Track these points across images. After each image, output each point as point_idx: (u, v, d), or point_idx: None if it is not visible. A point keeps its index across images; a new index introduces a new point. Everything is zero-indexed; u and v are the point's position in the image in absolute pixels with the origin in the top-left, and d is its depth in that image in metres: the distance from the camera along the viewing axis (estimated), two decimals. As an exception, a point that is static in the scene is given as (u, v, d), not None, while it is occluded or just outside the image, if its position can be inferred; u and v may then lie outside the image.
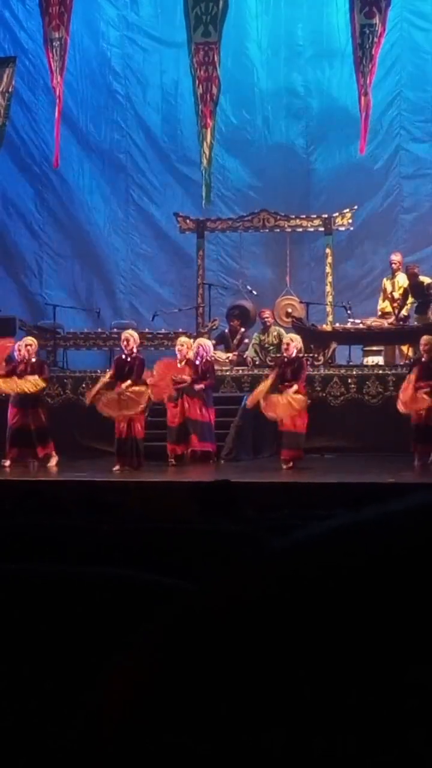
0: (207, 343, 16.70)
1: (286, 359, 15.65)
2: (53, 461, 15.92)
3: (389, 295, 19.08)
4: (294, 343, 15.74)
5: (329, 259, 19.63)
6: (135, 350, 16.00)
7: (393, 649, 0.87)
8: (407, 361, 18.34)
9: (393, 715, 0.84)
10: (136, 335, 16.34)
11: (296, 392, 15.21)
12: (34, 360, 16.33)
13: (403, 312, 18.82)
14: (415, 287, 18.65)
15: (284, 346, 15.86)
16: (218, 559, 3.16)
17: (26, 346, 16.40)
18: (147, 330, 19.06)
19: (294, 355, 15.61)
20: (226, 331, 19.83)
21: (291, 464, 15.06)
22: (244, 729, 0.86)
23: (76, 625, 1.41)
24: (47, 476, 13.85)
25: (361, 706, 0.85)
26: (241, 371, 18.14)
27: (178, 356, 16.17)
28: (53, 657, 1.34)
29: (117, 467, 15.37)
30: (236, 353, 19.10)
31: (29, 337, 16.91)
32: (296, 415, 15.16)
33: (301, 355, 15.89)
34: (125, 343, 16.05)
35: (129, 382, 15.54)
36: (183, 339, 16.79)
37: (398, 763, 0.83)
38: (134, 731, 0.91)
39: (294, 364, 15.52)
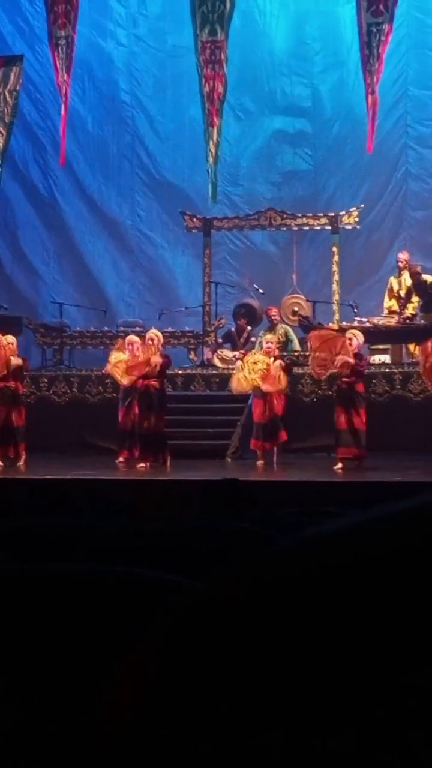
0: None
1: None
2: (22, 460, 15.91)
3: (396, 294, 19.07)
4: (357, 339, 15.56)
5: (336, 258, 19.62)
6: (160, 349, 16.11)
7: (394, 651, 0.87)
8: (414, 360, 18.33)
9: (393, 716, 0.84)
10: (159, 334, 16.34)
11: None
12: (13, 359, 16.24)
13: (410, 310, 18.80)
14: (418, 286, 18.65)
15: (347, 341, 15.62)
16: (224, 558, 3.16)
17: (8, 345, 16.29)
18: (151, 327, 19.04)
19: (356, 350, 15.51)
20: (233, 329, 19.84)
21: (355, 463, 15.03)
22: (244, 730, 0.86)
23: (81, 624, 1.41)
24: (53, 474, 13.84)
25: (361, 707, 0.85)
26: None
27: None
28: (57, 656, 1.35)
29: (142, 463, 15.45)
30: (243, 351, 19.10)
31: (9, 336, 16.70)
32: (352, 412, 15.14)
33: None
34: (150, 342, 16.07)
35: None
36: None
37: (398, 763, 0.83)
38: (136, 731, 0.91)
39: (355, 359, 15.52)
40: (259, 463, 15.69)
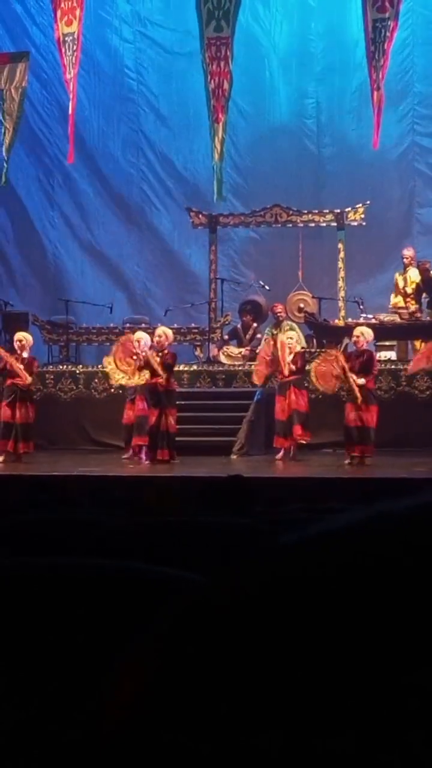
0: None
1: (355, 352, 15.61)
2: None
3: (401, 290, 19.07)
4: (364, 336, 15.65)
5: (341, 254, 19.61)
6: (167, 347, 16.08)
7: (395, 650, 0.87)
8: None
9: (393, 716, 0.84)
10: (169, 332, 16.37)
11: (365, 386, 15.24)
12: (25, 356, 16.27)
13: (416, 306, 18.81)
14: (426, 283, 18.64)
15: (354, 339, 15.72)
16: (227, 555, 3.16)
17: (18, 341, 16.34)
18: (159, 325, 19.05)
19: (364, 348, 15.59)
20: (239, 326, 19.83)
21: (362, 460, 15.04)
22: (244, 730, 0.86)
23: (81, 623, 1.40)
24: (59, 471, 13.87)
25: (361, 707, 0.85)
26: (253, 366, 18.13)
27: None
28: (57, 656, 1.34)
29: (147, 460, 15.48)
30: (249, 348, 19.11)
31: (22, 333, 16.78)
32: (362, 409, 15.13)
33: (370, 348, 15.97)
34: (159, 339, 16.08)
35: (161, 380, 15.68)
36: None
37: (398, 763, 0.83)
38: (136, 731, 0.91)
39: (363, 356, 15.49)
40: (278, 459, 15.70)
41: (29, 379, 16.02)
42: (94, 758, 0.92)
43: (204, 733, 0.87)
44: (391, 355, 18.23)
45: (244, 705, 0.87)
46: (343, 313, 19.28)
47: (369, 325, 17.54)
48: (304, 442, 15.75)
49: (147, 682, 0.92)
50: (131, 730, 0.90)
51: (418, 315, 18.73)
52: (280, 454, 15.78)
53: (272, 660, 0.88)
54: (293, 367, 15.95)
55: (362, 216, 19.57)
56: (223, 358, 18.84)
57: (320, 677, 0.86)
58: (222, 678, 0.89)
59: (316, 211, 19.95)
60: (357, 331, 15.82)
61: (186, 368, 18.20)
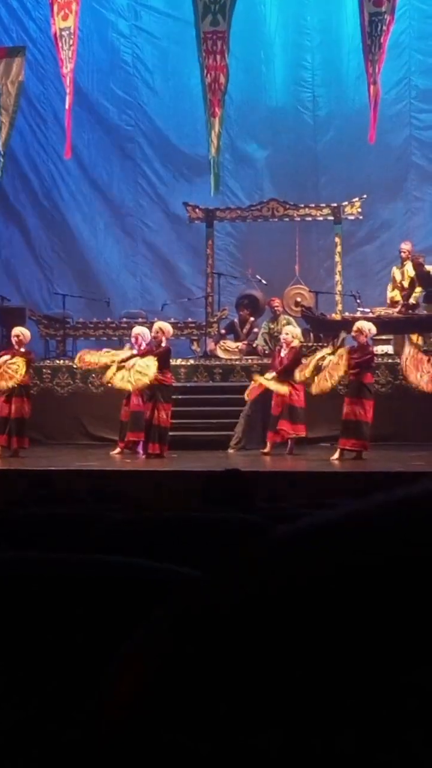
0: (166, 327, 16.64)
1: (356, 347, 15.60)
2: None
3: (398, 284, 19.06)
4: (363, 332, 15.63)
5: (338, 248, 19.60)
6: (164, 341, 16.07)
7: (394, 649, 0.87)
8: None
9: (392, 716, 0.84)
10: (166, 327, 16.37)
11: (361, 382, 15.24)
12: (23, 350, 16.27)
13: (412, 301, 18.80)
14: (421, 276, 18.63)
15: (354, 334, 15.73)
16: (225, 549, 3.16)
17: (16, 336, 16.36)
18: (156, 319, 19.03)
19: (364, 342, 15.59)
20: (236, 320, 19.83)
21: (359, 454, 15.01)
22: (243, 730, 0.86)
23: (81, 618, 1.40)
24: (57, 466, 13.87)
25: (361, 707, 0.84)
26: (250, 360, 18.15)
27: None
28: (57, 653, 1.34)
29: (142, 454, 15.51)
30: (246, 342, 19.11)
31: (19, 328, 16.79)
32: (356, 403, 15.11)
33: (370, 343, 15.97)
34: (157, 334, 16.10)
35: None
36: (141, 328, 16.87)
37: (398, 763, 0.83)
38: (136, 731, 0.91)
39: (359, 351, 15.47)
40: (263, 452, 15.67)
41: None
42: (94, 758, 0.92)
43: (204, 733, 0.87)
44: (388, 348, 18.23)
45: (243, 704, 0.87)
46: (340, 306, 19.28)
47: (366, 319, 17.54)
48: (291, 436, 15.72)
49: (146, 682, 0.92)
50: (131, 730, 0.90)
51: (415, 308, 18.72)
52: (267, 448, 15.74)
53: (272, 659, 0.88)
54: (279, 368, 15.94)
55: (359, 210, 19.56)
56: (220, 353, 18.84)
57: (320, 676, 0.86)
58: (221, 677, 0.89)
59: (313, 205, 19.94)
60: (356, 326, 15.82)
61: (183, 363, 18.20)
